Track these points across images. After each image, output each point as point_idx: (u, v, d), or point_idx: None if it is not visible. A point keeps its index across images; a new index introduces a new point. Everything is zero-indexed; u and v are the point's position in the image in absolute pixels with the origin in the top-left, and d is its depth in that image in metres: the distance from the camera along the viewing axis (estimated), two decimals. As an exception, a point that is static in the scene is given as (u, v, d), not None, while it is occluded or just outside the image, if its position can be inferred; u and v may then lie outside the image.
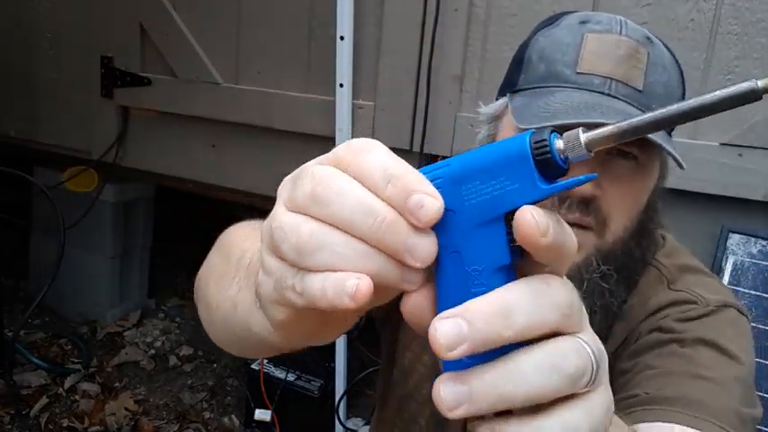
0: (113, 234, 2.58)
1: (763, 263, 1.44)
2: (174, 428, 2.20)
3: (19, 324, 2.10)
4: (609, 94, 0.60)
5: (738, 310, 0.69)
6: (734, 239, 1.46)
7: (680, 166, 0.61)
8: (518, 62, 0.68)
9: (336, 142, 1.80)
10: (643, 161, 0.63)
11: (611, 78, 0.61)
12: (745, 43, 1.41)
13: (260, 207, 2.23)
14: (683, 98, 0.66)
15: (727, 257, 1.46)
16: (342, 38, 1.73)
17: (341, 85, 1.76)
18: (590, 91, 0.61)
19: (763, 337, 1.40)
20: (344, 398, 1.99)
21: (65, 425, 2.12)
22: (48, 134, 2.44)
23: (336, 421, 1.87)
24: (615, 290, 0.63)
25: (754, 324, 1.42)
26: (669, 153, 0.58)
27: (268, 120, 1.95)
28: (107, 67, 2.19)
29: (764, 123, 1.41)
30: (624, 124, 0.30)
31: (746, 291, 1.43)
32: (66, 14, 2.29)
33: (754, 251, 1.45)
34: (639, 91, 0.61)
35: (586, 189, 0.59)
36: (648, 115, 0.30)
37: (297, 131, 1.91)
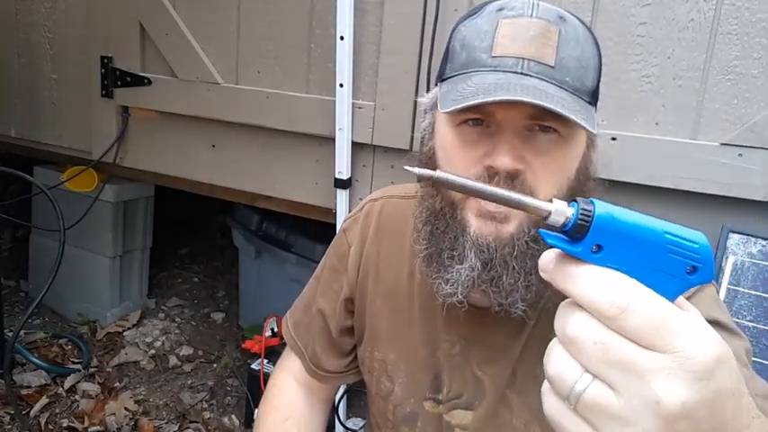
0: (113, 234, 2.58)
1: (763, 263, 1.44)
2: (173, 428, 2.20)
3: (19, 324, 2.10)
4: (522, 73, 0.63)
5: (715, 287, 0.73)
6: (734, 239, 1.46)
7: (590, 132, 0.64)
8: (445, 52, 0.73)
9: (336, 142, 1.80)
10: (565, 133, 0.65)
11: (523, 58, 0.64)
12: (745, 43, 1.41)
13: (260, 207, 2.24)
14: (599, 68, 0.69)
15: (727, 257, 1.46)
16: (342, 38, 1.73)
17: (341, 85, 1.76)
18: (504, 72, 0.64)
19: (763, 337, 1.40)
20: (344, 398, 1.99)
21: (65, 425, 2.12)
22: (48, 134, 2.44)
23: (336, 421, 1.87)
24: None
25: (753, 324, 1.42)
26: (578, 124, 0.60)
27: (268, 120, 1.95)
28: (107, 67, 2.19)
29: (764, 123, 1.41)
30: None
31: (746, 291, 1.43)
32: (66, 14, 2.29)
33: (754, 251, 1.45)
34: (552, 66, 0.64)
35: (509, 164, 0.63)
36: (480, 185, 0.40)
37: (297, 131, 1.91)
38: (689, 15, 1.44)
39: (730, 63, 1.42)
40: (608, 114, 1.52)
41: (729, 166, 1.44)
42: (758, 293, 1.42)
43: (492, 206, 0.65)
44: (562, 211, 0.37)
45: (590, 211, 0.37)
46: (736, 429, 0.38)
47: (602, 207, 0.37)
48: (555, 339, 0.39)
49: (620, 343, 0.35)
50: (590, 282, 0.37)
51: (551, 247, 0.39)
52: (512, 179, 0.64)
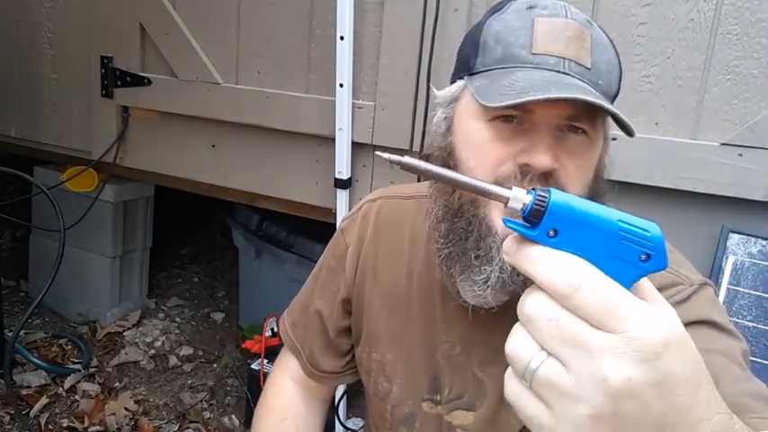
0: (113, 234, 2.58)
1: (763, 263, 1.44)
2: (173, 428, 2.20)
3: (19, 324, 2.10)
4: (564, 72, 0.64)
5: (712, 288, 0.73)
6: (734, 239, 1.46)
7: (629, 134, 0.65)
8: (473, 46, 0.71)
9: (336, 142, 1.80)
10: (591, 135, 0.66)
11: (564, 58, 0.64)
12: (745, 43, 1.41)
13: (260, 207, 2.24)
14: (620, 73, 0.70)
15: (727, 257, 1.46)
16: (342, 38, 1.73)
17: (341, 85, 1.76)
18: (548, 70, 0.64)
19: (763, 337, 1.40)
20: (344, 398, 1.99)
21: (65, 425, 2.12)
22: (48, 134, 2.44)
23: (336, 421, 1.87)
24: None
25: (753, 324, 1.42)
26: (628, 126, 0.62)
27: (268, 120, 1.95)
28: (107, 67, 2.19)
29: (764, 123, 1.41)
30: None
31: (746, 291, 1.43)
32: (66, 14, 2.29)
33: (754, 251, 1.45)
34: (588, 68, 0.65)
35: (549, 163, 0.63)
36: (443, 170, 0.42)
37: (297, 131, 1.91)
38: (689, 15, 1.44)
39: (730, 63, 1.42)
40: (608, 114, 1.52)
41: (729, 166, 1.44)
42: (758, 293, 1.42)
43: None
44: (520, 198, 0.40)
45: (545, 198, 0.39)
46: (693, 419, 0.39)
47: (558, 195, 0.40)
48: (517, 324, 0.41)
49: (572, 320, 0.37)
50: (546, 263, 0.39)
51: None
52: (546, 177, 0.63)
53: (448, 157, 0.71)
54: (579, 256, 0.39)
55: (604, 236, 0.39)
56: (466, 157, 0.68)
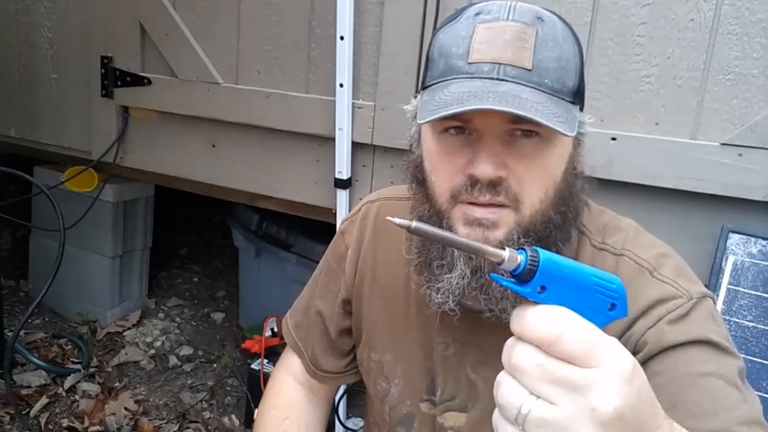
0: (113, 234, 2.58)
1: (763, 263, 1.44)
2: (173, 428, 2.20)
3: (19, 324, 2.10)
4: (498, 78, 0.63)
5: (711, 299, 0.73)
6: (734, 239, 1.46)
7: (564, 134, 0.63)
8: (426, 60, 0.72)
9: (336, 142, 1.80)
10: (547, 136, 0.65)
11: (499, 63, 0.63)
12: (745, 43, 1.41)
13: (260, 207, 2.24)
14: (581, 67, 0.68)
15: (727, 257, 1.46)
16: (342, 38, 1.73)
17: (341, 85, 1.76)
18: (480, 78, 0.63)
19: (763, 337, 1.40)
20: (344, 398, 1.99)
21: (65, 425, 2.12)
22: (48, 134, 2.44)
23: (336, 421, 1.87)
24: None
25: (753, 324, 1.42)
26: (551, 128, 0.60)
27: (268, 120, 1.95)
28: (107, 67, 2.19)
29: (764, 123, 1.41)
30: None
31: (746, 291, 1.43)
32: (66, 14, 2.29)
33: (754, 251, 1.45)
34: (529, 70, 0.63)
35: (490, 172, 0.63)
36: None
37: (297, 131, 1.91)
38: (689, 15, 1.44)
39: (730, 63, 1.42)
40: (608, 114, 1.52)
41: (729, 166, 1.44)
42: (758, 293, 1.42)
43: (478, 212, 0.65)
44: (514, 258, 0.45)
45: (536, 258, 0.44)
46: (654, 427, 0.45)
47: (545, 255, 0.45)
48: (502, 372, 0.45)
49: (557, 363, 0.42)
50: (532, 318, 0.44)
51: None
52: (494, 186, 0.64)
53: (417, 170, 0.73)
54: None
55: (582, 289, 0.45)
56: (429, 171, 0.71)
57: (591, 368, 0.41)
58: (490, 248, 0.45)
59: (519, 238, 0.65)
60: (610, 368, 0.41)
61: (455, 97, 0.62)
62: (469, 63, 0.64)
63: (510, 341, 0.45)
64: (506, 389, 0.44)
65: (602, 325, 0.45)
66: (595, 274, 0.46)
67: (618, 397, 0.41)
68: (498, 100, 0.60)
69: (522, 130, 0.64)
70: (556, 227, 0.68)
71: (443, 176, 0.68)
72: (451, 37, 0.67)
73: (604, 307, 0.46)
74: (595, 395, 0.41)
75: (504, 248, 0.45)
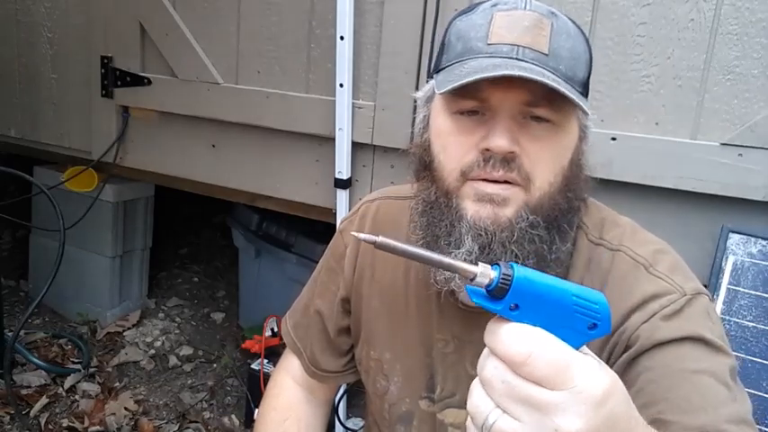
0: (113, 234, 2.58)
1: (763, 263, 1.44)
2: (173, 428, 2.20)
3: (19, 324, 2.10)
4: (516, 58, 0.65)
5: (707, 296, 0.73)
6: (734, 239, 1.46)
7: (582, 121, 0.67)
8: (441, 46, 0.74)
9: (336, 142, 1.80)
10: (558, 121, 0.66)
11: (518, 45, 0.65)
12: (745, 43, 1.41)
13: (260, 207, 2.24)
14: (590, 63, 0.71)
15: (727, 257, 1.46)
16: (342, 38, 1.73)
17: (341, 85, 1.76)
18: (500, 57, 0.65)
19: (763, 337, 1.40)
20: (344, 398, 1.99)
21: (65, 425, 2.12)
22: (48, 134, 2.44)
23: (336, 421, 1.87)
24: (545, 236, 0.68)
25: (753, 324, 1.42)
26: (574, 101, 0.63)
27: (268, 120, 1.95)
28: (107, 66, 2.19)
29: (764, 123, 1.41)
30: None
31: (746, 291, 1.43)
32: (66, 14, 2.29)
33: (754, 251, 1.45)
34: (545, 54, 0.66)
35: (506, 145, 0.64)
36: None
37: (297, 131, 1.91)
38: (689, 15, 1.44)
39: (730, 63, 1.42)
40: (608, 114, 1.52)
41: (729, 166, 1.44)
42: (758, 293, 1.42)
43: (490, 188, 0.65)
44: (486, 274, 0.44)
45: (510, 276, 0.43)
46: None
47: (520, 272, 0.44)
48: (475, 380, 0.46)
49: (522, 384, 0.42)
50: (502, 335, 0.44)
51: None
52: (507, 162, 0.65)
53: (424, 153, 0.73)
54: (536, 326, 0.43)
55: (559, 308, 0.44)
56: (437, 152, 0.71)
57: (559, 390, 0.41)
58: (461, 264, 0.45)
59: (527, 217, 0.66)
60: (578, 391, 0.41)
61: (477, 68, 0.63)
62: (489, 44, 0.66)
63: (485, 352, 0.46)
64: (476, 398, 0.45)
65: (580, 344, 0.44)
66: (577, 293, 0.45)
67: (582, 421, 0.41)
68: (523, 71, 0.61)
69: (534, 117, 0.66)
70: (562, 211, 0.69)
71: (454, 154, 0.68)
72: (469, 24, 0.69)
73: (584, 326, 0.45)
74: (560, 418, 0.41)
75: (476, 264, 0.45)
